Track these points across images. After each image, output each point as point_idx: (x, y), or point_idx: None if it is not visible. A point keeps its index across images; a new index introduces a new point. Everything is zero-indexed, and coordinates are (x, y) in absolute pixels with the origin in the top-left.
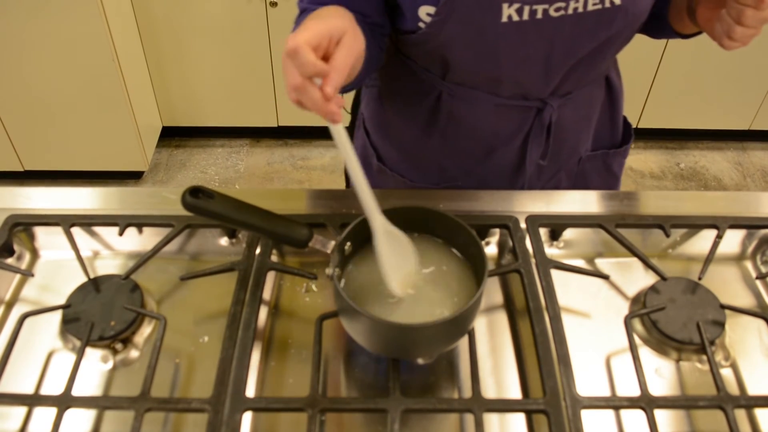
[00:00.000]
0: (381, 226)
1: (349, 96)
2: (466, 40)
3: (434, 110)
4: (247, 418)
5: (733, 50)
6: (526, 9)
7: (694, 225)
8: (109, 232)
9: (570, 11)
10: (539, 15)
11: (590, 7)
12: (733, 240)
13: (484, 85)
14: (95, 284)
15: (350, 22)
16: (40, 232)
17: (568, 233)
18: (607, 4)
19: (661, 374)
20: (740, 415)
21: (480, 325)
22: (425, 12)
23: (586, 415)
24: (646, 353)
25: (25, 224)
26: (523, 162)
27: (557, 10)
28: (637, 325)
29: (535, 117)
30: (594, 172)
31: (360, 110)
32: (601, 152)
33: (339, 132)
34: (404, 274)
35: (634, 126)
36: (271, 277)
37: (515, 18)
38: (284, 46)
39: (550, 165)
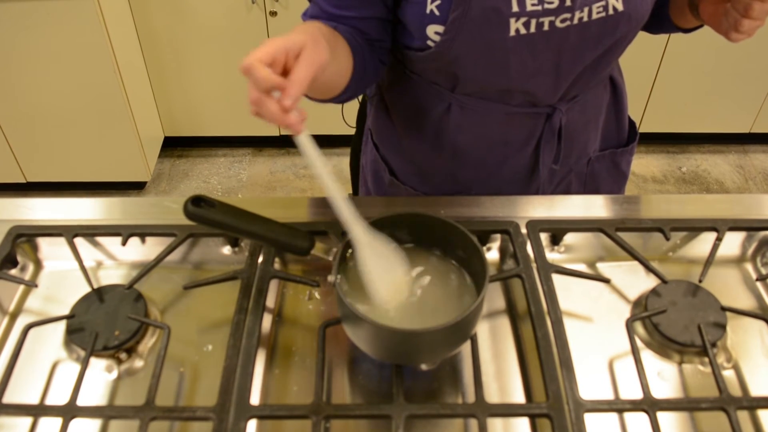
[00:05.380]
0: (362, 237)
1: (353, 109)
2: (475, 55)
3: (443, 122)
4: (251, 425)
5: (735, 53)
6: (533, 22)
7: (693, 228)
8: (112, 242)
9: (575, 21)
10: (546, 27)
11: (594, 16)
12: (733, 242)
13: (493, 95)
14: (99, 294)
15: (311, 36)
16: (43, 243)
17: (569, 238)
18: (611, 12)
19: (664, 377)
20: (743, 416)
21: (482, 330)
22: (433, 31)
23: (589, 419)
24: (648, 356)
25: (28, 235)
26: (536, 168)
27: (563, 21)
28: (639, 328)
29: (545, 123)
30: (603, 171)
31: (367, 125)
32: (609, 152)
33: (303, 142)
34: (391, 283)
35: None
36: (273, 285)
37: (523, 31)
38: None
39: (560, 168)
